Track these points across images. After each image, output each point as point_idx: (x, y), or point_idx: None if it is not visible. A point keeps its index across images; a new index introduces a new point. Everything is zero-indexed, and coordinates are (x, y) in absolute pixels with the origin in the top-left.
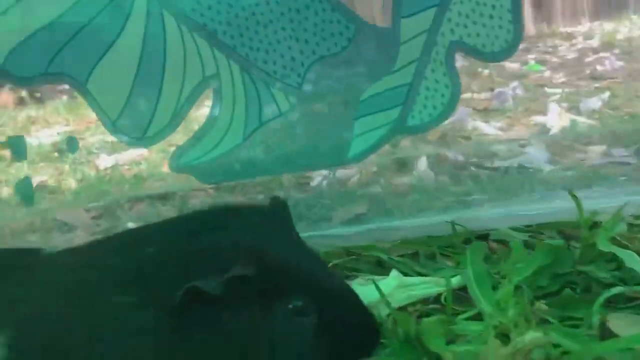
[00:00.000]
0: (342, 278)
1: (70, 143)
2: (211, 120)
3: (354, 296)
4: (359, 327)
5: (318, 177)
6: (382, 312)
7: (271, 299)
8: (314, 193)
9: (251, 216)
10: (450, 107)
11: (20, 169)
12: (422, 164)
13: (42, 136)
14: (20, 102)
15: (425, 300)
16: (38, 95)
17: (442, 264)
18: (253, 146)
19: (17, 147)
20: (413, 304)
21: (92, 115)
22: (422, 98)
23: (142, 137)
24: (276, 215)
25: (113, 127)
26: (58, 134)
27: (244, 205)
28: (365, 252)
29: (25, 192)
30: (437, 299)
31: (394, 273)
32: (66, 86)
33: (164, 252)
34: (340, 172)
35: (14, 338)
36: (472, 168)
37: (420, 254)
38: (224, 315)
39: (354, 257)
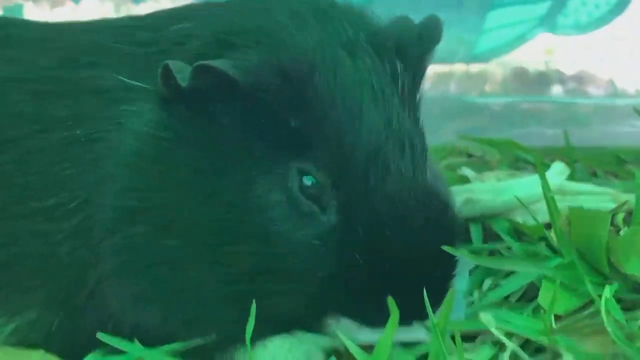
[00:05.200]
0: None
1: None
2: None
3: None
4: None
5: None
6: (541, 214)
7: (283, 149)
8: None
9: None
10: (618, 8)
11: None
12: None
13: None
14: None
15: None
16: None
17: (604, 179)
18: None
19: None
20: None
21: None
22: None
23: None
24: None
25: None
26: None
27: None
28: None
29: None
30: None
31: (557, 166)
32: None
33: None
34: None
35: None
36: None
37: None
38: (216, 132)
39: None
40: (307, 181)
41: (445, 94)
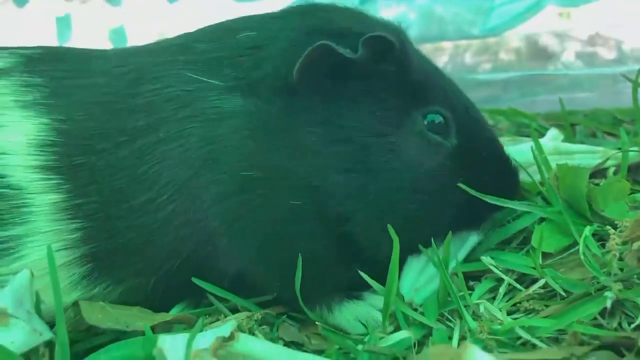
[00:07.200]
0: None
1: None
2: None
3: (493, 134)
4: (500, 165)
5: None
6: (537, 174)
7: (407, 102)
8: None
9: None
10: None
11: None
12: None
13: None
14: None
15: None
16: None
17: (602, 139)
18: None
19: None
20: None
21: None
22: None
23: None
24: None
25: None
26: None
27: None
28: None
29: None
30: (600, 172)
31: (552, 132)
32: None
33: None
34: None
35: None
36: None
37: (566, 126)
38: (343, 105)
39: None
40: (432, 120)
41: (460, 66)
